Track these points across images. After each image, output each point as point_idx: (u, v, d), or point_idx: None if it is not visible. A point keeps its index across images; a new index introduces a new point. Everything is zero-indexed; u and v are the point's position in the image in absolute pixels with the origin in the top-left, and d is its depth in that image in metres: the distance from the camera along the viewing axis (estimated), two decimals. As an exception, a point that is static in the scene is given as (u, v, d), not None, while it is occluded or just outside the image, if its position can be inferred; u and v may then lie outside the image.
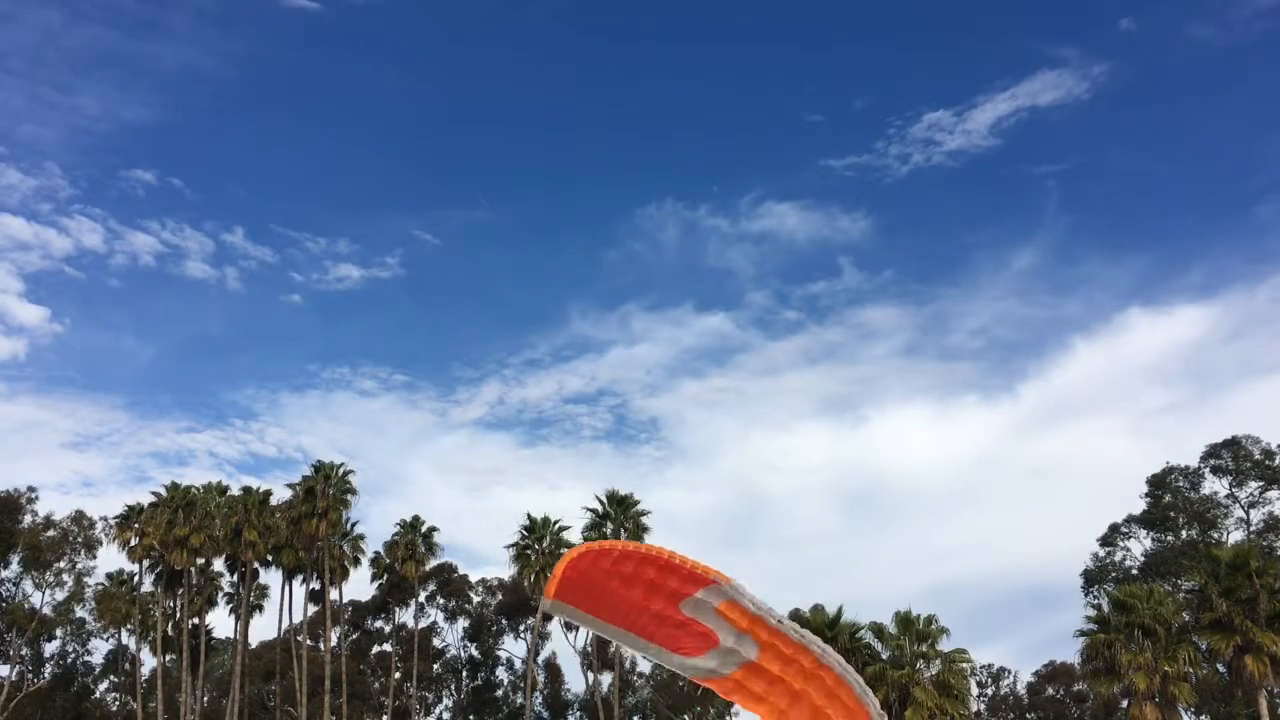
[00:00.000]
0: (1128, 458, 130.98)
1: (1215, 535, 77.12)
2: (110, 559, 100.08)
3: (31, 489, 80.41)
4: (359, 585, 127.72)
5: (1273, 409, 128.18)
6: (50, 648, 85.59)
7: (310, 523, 71.93)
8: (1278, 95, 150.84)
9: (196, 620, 78.95)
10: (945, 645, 52.36)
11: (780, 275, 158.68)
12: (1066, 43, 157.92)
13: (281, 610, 78.36)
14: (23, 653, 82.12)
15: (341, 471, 74.87)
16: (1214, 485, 79.38)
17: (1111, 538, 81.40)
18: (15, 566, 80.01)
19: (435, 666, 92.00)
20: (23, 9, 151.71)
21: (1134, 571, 77.72)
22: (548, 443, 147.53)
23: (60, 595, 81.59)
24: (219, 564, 79.71)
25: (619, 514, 72.89)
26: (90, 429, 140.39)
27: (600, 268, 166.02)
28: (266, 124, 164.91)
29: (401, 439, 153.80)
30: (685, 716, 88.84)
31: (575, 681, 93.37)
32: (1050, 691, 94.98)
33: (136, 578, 79.84)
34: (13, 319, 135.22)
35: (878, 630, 52.67)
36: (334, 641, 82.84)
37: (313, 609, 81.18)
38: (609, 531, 72.99)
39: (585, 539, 74.17)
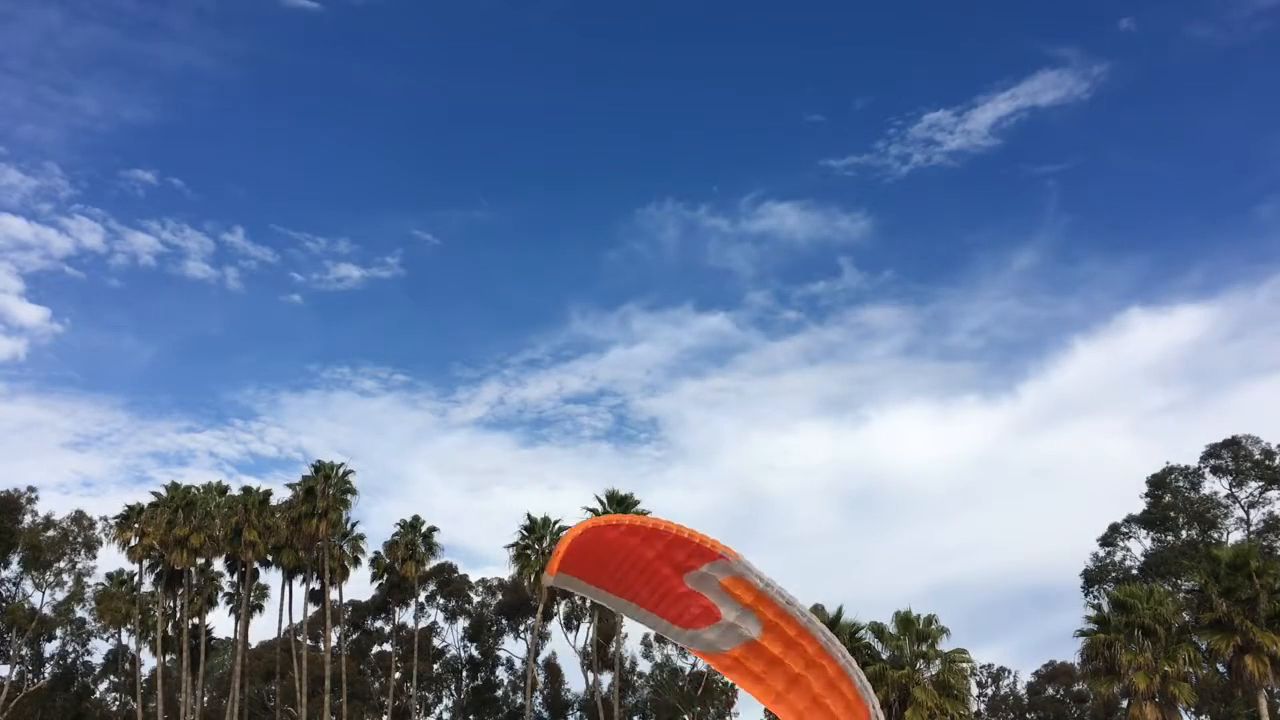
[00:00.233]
0: (1128, 458, 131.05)
1: (1215, 535, 77.11)
2: (110, 559, 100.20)
3: (31, 489, 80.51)
4: (359, 585, 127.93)
5: (1273, 409, 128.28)
6: (50, 648, 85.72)
7: (310, 523, 71.93)
8: (1278, 95, 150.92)
9: (196, 620, 78.97)
10: (945, 645, 52.37)
11: (780, 275, 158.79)
12: (1066, 43, 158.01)
13: (281, 610, 78.52)
14: (23, 653, 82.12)
15: (341, 471, 74.91)
16: (1214, 485, 79.46)
17: (1111, 538, 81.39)
18: (15, 566, 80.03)
19: (435, 666, 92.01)
20: (23, 9, 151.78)
21: (1134, 571, 77.71)
22: (548, 443, 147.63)
23: (60, 595, 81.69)
24: (219, 564, 79.83)
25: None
26: (90, 429, 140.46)
27: (600, 268, 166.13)
28: (266, 124, 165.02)
29: (401, 439, 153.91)
30: (685, 717, 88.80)
31: (575, 681, 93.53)
32: (1050, 691, 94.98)
33: (136, 578, 79.86)
34: (13, 319, 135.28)
35: (878, 630, 52.65)
36: (334, 641, 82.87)
37: (313, 609, 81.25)
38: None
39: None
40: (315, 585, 78.85)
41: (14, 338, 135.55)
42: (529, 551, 74.77)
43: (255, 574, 77.08)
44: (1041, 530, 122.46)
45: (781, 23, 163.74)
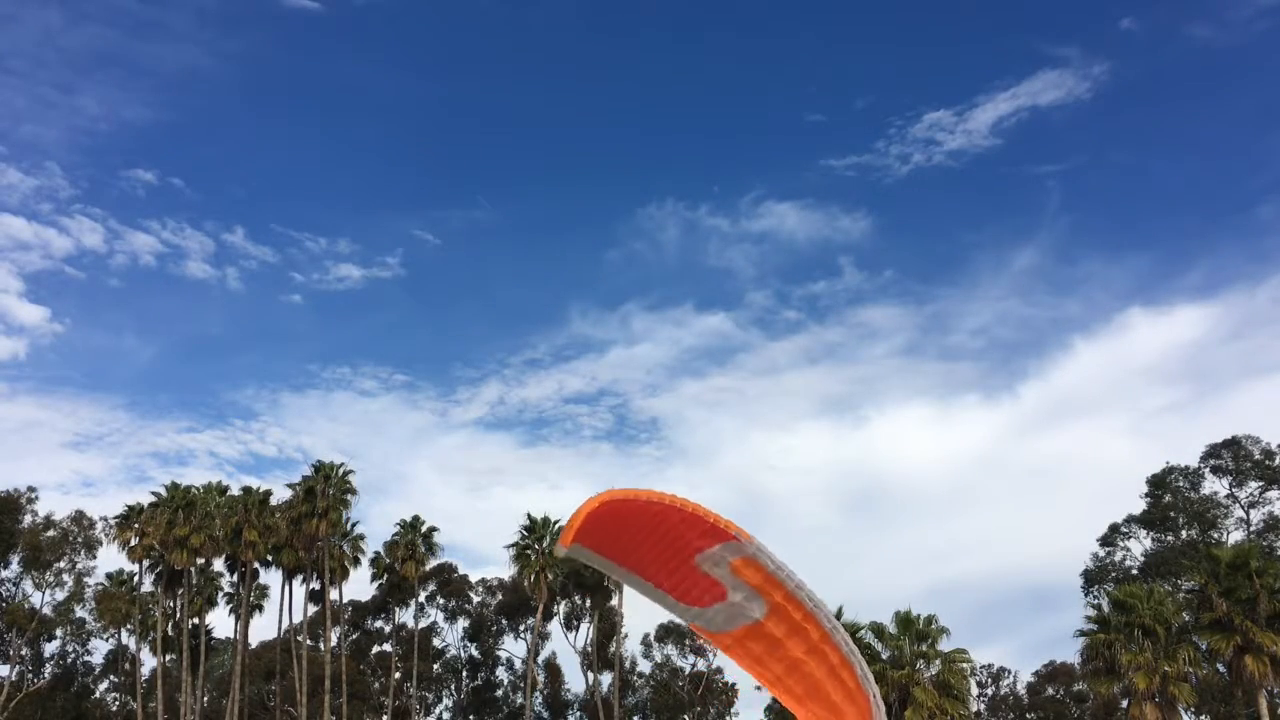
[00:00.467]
0: (1128, 458, 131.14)
1: (1215, 535, 77.08)
2: (110, 559, 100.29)
3: (31, 489, 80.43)
4: (359, 585, 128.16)
5: (1273, 409, 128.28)
6: (50, 648, 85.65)
7: (310, 523, 71.91)
8: (1278, 95, 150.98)
9: (196, 620, 78.96)
10: (945, 645, 52.40)
11: (780, 275, 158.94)
12: (1067, 42, 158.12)
13: (281, 610, 78.49)
14: (23, 653, 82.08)
15: (341, 471, 74.88)
16: (1214, 485, 79.41)
17: (1111, 538, 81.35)
18: (15, 566, 79.99)
19: (435, 666, 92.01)
20: (23, 9, 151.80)
21: (1134, 571, 77.67)
22: (548, 443, 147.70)
23: (60, 595, 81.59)
24: (219, 564, 79.78)
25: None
26: (90, 429, 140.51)
27: (600, 267, 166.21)
28: (267, 124, 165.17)
29: (402, 439, 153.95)
30: (685, 716, 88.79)
31: (575, 681, 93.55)
32: (1050, 691, 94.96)
33: (136, 578, 79.85)
34: (13, 319, 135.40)
35: (878, 630, 52.65)
36: (334, 641, 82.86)
37: (313, 609, 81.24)
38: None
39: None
40: (315, 585, 78.85)
41: (14, 338, 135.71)
42: (529, 551, 74.74)
43: (255, 574, 77.08)
44: (1041, 530, 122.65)
45: (782, 23, 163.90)
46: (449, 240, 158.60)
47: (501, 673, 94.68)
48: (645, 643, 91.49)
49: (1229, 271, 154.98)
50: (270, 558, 75.42)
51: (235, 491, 76.27)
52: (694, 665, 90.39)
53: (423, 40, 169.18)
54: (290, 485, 75.53)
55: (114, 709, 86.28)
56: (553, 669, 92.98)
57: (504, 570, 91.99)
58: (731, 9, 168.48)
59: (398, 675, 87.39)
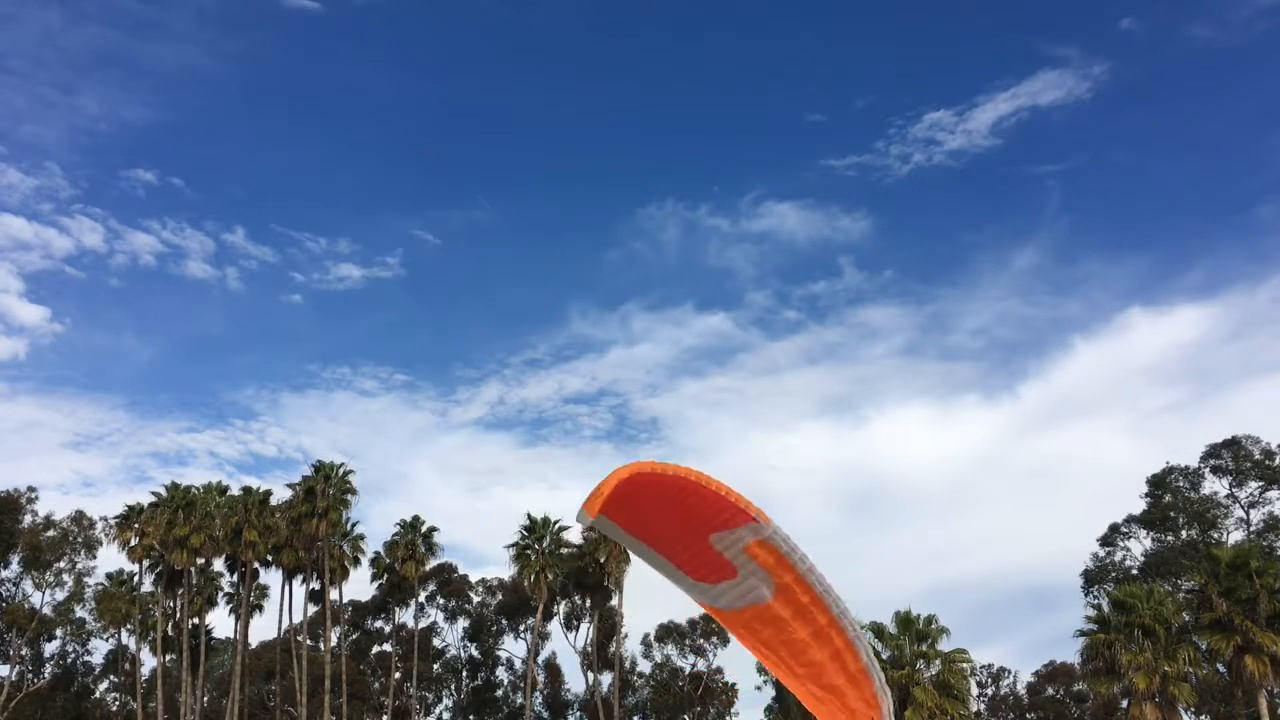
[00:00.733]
0: (1128, 458, 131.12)
1: (1215, 535, 77.08)
2: (110, 559, 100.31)
3: (31, 489, 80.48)
4: (359, 585, 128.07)
5: (1273, 409, 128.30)
6: (50, 648, 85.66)
7: (310, 523, 71.91)
8: (1278, 95, 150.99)
9: (196, 620, 78.96)
10: (945, 645, 52.40)
11: (781, 275, 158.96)
12: (1067, 42, 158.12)
13: (281, 610, 78.50)
14: (23, 653, 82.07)
15: (341, 471, 74.88)
16: (1214, 485, 79.41)
17: (1111, 538, 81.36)
18: (15, 566, 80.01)
19: (435, 666, 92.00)
20: (23, 9, 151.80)
21: (1134, 571, 77.67)
22: (548, 443, 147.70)
23: (60, 595, 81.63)
24: (219, 564, 79.80)
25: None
26: (90, 429, 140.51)
27: (600, 267, 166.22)
28: (266, 124, 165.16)
29: (402, 439, 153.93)
30: (685, 716, 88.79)
31: (575, 681, 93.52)
32: (1050, 691, 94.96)
33: (136, 578, 79.85)
34: (13, 319, 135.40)
35: (878, 630, 52.64)
36: (334, 641, 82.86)
37: (313, 609, 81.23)
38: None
39: (585, 539, 74.26)
40: (315, 585, 78.85)
41: (14, 338, 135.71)
42: (529, 552, 74.74)
43: (255, 574, 77.09)
44: (1041, 530, 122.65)
45: (782, 23, 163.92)
46: (449, 240, 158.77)
47: (501, 673, 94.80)
48: (645, 643, 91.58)
49: (1229, 271, 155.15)
50: (270, 558, 75.42)
51: (235, 491, 76.36)
52: (694, 665, 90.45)
53: (423, 40, 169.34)
54: (290, 485, 75.69)
55: (114, 709, 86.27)
56: (553, 669, 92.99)
57: (504, 570, 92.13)
58: (731, 9, 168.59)
59: (398, 675, 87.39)
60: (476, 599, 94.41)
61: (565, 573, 76.63)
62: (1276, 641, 48.37)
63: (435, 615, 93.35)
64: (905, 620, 52.22)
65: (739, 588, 15.77)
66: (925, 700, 48.93)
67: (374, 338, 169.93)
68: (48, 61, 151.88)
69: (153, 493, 75.36)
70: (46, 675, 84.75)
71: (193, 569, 76.46)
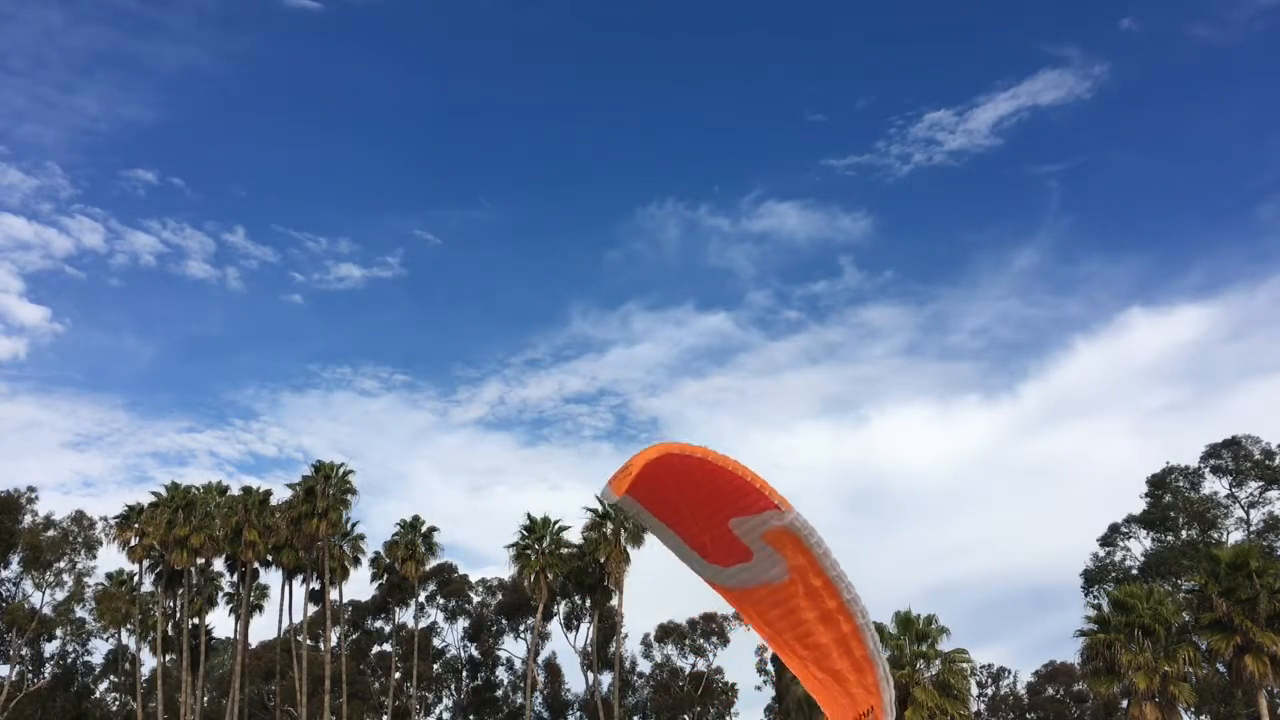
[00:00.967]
0: (1128, 458, 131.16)
1: (1215, 535, 77.10)
2: (110, 559, 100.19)
3: (31, 489, 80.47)
4: (359, 585, 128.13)
5: (1273, 409, 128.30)
6: (50, 648, 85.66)
7: (310, 523, 71.90)
8: (1278, 95, 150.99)
9: (196, 620, 78.95)
10: (945, 645, 52.37)
11: (781, 275, 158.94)
12: (1067, 42, 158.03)
13: (281, 610, 78.49)
14: (23, 653, 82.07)
15: (342, 471, 74.86)
16: (1214, 485, 79.45)
17: (1111, 538, 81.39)
18: (15, 566, 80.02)
19: (435, 666, 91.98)
20: (23, 9, 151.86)
21: (1134, 571, 77.69)
22: (548, 443, 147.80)
23: (60, 595, 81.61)
24: (219, 564, 79.80)
25: (619, 514, 72.85)
26: (90, 429, 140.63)
27: (601, 267, 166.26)
28: (267, 124, 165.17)
29: (402, 439, 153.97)
30: (685, 716, 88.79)
31: (575, 681, 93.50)
32: (1050, 691, 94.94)
33: (136, 578, 79.83)
34: (13, 319, 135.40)
35: (878, 630, 52.55)
36: (334, 641, 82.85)
37: (313, 609, 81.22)
38: (609, 532, 72.99)
39: (585, 539, 74.24)
40: (315, 585, 78.85)
41: (14, 338, 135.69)
42: (529, 552, 74.71)
43: (255, 574, 77.08)
44: (1041, 530, 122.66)
45: (783, 22, 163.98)
46: (449, 240, 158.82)
47: (501, 673, 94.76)
48: (645, 643, 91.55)
49: (1229, 271, 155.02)
50: (270, 558, 75.40)
51: (235, 491, 76.35)
52: (694, 665, 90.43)
53: (423, 40, 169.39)
54: (290, 485, 75.64)
55: (114, 709, 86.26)
56: (553, 669, 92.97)
57: (504, 570, 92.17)
58: (732, 9, 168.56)
59: (398, 675, 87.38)
60: (476, 599, 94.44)
61: (565, 573, 76.61)
62: (1276, 641, 48.34)
63: (435, 615, 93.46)
64: (905, 620, 52.21)
65: (752, 570, 15.84)
66: (925, 700, 48.91)
67: (374, 338, 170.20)
68: (48, 61, 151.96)
69: (153, 493, 75.51)
70: (46, 675, 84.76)
71: (193, 569, 76.46)
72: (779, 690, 79.51)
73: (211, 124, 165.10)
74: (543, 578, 74.29)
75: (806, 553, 15.44)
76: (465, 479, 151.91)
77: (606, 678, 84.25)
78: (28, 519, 79.21)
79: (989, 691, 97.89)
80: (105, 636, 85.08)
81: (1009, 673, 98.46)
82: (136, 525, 74.57)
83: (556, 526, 75.54)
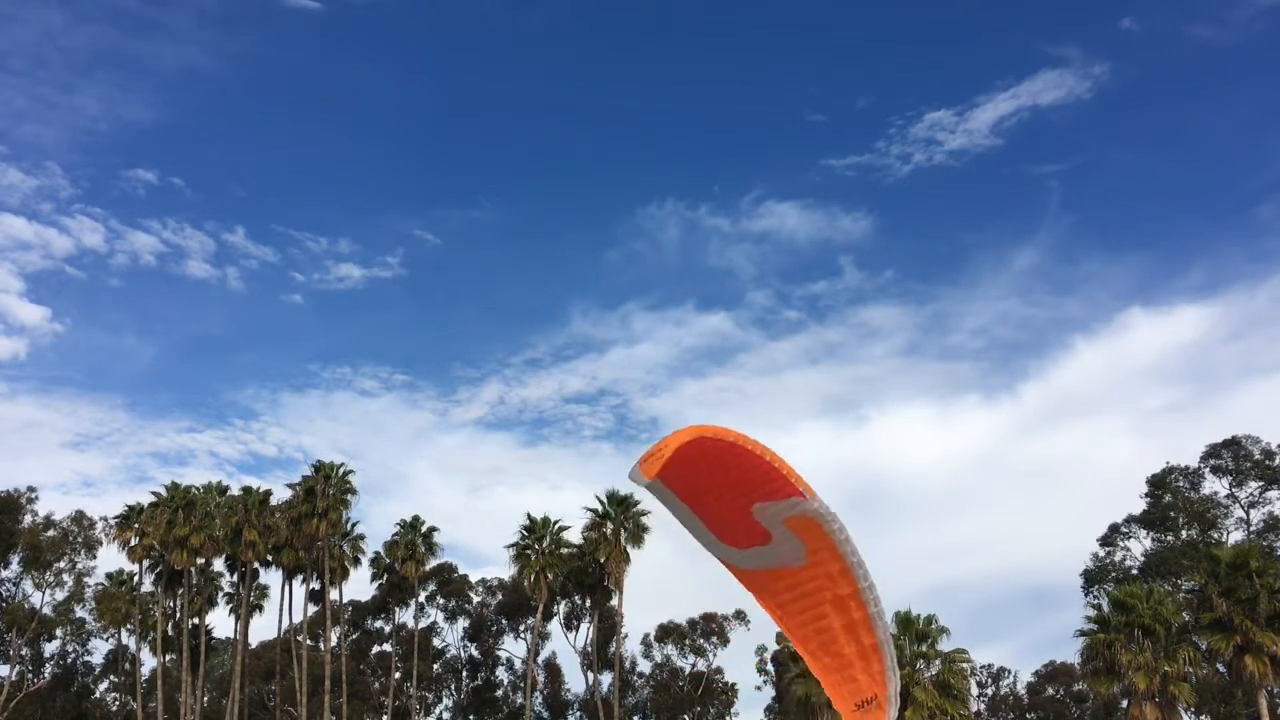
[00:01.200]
0: (1128, 458, 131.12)
1: (1215, 535, 77.11)
2: (110, 559, 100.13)
3: (31, 489, 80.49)
4: (359, 585, 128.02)
5: (1273, 409, 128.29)
6: (50, 648, 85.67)
7: (310, 523, 71.90)
8: (1278, 95, 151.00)
9: (196, 620, 78.95)
10: (945, 645, 52.33)
11: (781, 275, 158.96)
12: (1068, 42, 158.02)
13: (281, 610, 78.49)
14: (23, 653, 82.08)
15: (342, 471, 74.86)
16: (1214, 485, 79.47)
17: (1111, 538, 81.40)
18: (15, 566, 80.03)
19: (435, 666, 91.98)
20: (23, 9, 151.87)
21: (1134, 571, 77.70)
22: (548, 443, 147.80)
23: (60, 595, 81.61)
24: (219, 564, 79.81)
25: (619, 514, 72.90)
26: (90, 429, 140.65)
27: (601, 267, 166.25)
28: (267, 124, 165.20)
29: (402, 439, 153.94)
30: (685, 716, 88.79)
31: (575, 681, 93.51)
32: (1050, 691, 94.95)
33: (136, 578, 79.83)
34: (13, 319, 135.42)
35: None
36: (334, 641, 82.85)
37: (313, 609, 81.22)
38: (608, 532, 72.99)
39: (585, 539, 74.24)
40: (315, 585, 78.85)
41: (14, 338, 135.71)
42: (529, 552, 74.70)
43: (255, 574, 77.08)
44: (1041, 530, 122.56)
45: (783, 22, 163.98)
46: (449, 240, 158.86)
47: (501, 673, 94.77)
48: (645, 643, 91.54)
49: (1229, 271, 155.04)
50: (270, 558, 75.40)
51: (235, 491, 76.35)
52: (694, 665, 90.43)
53: (423, 40, 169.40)
54: (290, 485, 75.65)
55: (114, 709, 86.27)
56: (553, 669, 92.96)
57: (504, 570, 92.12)
58: (732, 9, 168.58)
59: (398, 675, 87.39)
60: (476, 599, 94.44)
61: (565, 573, 76.62)
62: (1276, 641, 48.34)
63: (435, 615, 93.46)
64: (905, 620, 52.15)
65: (769, 553, 15.86)
66: (925, 700, 48.89)
67: (374, 338, 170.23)
68: (48, 61, 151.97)
69: (153, 493, 75.51)
70: (46, 675, 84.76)
71: (193, 569, 76.46)
72: (779, 690, 79.51)
73: (211, 124, 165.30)
74: (543, 578, 74.29)
75: (826, 539, 15.47)
76: (465, 479, 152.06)
77: (606, 678, 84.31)
78: (28, 519, 79.27)
79: (989, 691, 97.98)
80: (105, 636, 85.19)
81: (1009, 673, 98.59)
82: (136, 525, 74.57)
83: (556, 526, 75.57)
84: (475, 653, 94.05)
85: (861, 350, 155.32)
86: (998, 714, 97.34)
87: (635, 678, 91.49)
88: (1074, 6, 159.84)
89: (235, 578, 79.44)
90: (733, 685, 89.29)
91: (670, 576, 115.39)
